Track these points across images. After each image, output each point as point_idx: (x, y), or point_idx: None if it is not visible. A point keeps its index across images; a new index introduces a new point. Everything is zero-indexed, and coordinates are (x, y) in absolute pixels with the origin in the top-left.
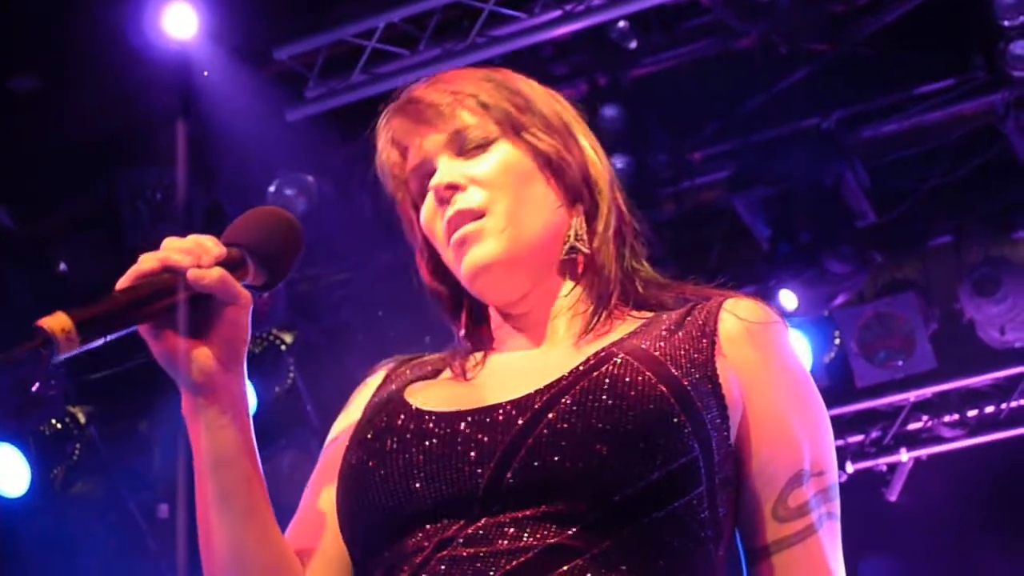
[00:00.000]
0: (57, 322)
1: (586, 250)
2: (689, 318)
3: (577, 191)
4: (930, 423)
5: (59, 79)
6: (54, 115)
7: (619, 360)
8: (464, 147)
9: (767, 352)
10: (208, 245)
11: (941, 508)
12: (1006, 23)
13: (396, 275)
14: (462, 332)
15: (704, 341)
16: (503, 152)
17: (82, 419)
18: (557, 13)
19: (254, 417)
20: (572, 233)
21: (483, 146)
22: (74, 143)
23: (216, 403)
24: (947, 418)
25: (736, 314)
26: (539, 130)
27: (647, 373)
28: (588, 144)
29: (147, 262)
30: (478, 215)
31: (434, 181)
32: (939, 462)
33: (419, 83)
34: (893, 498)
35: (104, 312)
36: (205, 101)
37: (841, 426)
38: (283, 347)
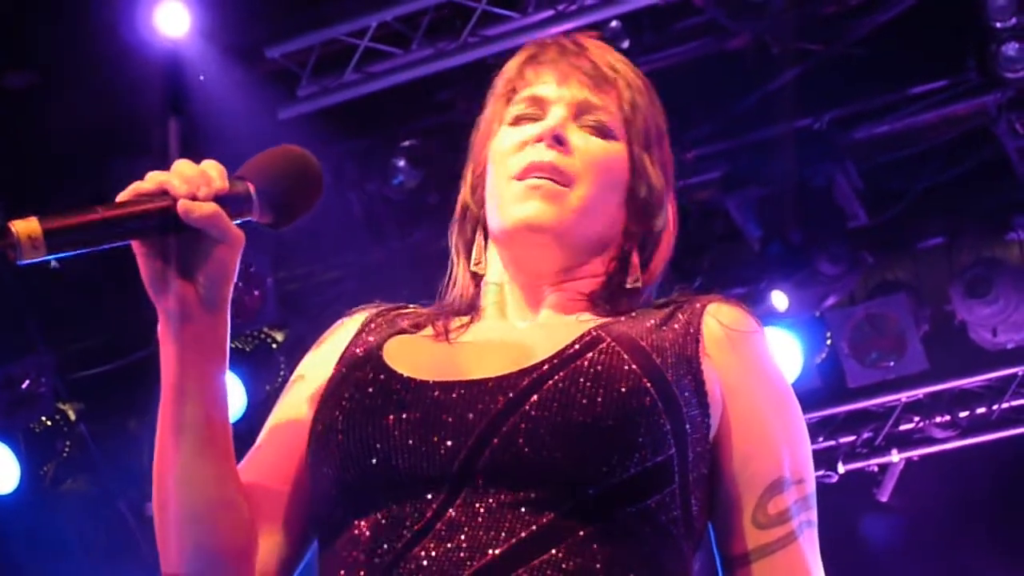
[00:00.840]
0: (27, 227)
1: (638, 285)
2: (673, 317)
3: (648, 224)
4: (922, 424)
5: (52, 75)
6: (47, 111)
7: (605, 346)
8: (589, 121)
9: (748, 360)
10: (212, 175)
11: (933, 509)
12: (998, 25)
13: (388, 273)
14: (464, 274)
15: (688, 339)
16: (616, 149)
17: (72, 416)
18: (549, 13)
19: (244, 416)
20: (633, 275)
21: (605, 133)
22: (66, 139)
23: (188, 335)
24: (939, 419)
25: (719, 319)
26: (654, 166)
27: (632, 365)
28: (672, 208)
29: (147, 182)
30: (565, 181)
31: (552, 122)
32: (931, 463)
33: (593, 39)
34: (884, 499)
35: (77, 224)
36: (198, 99)
37: (832, 427)
38: (274, 345)
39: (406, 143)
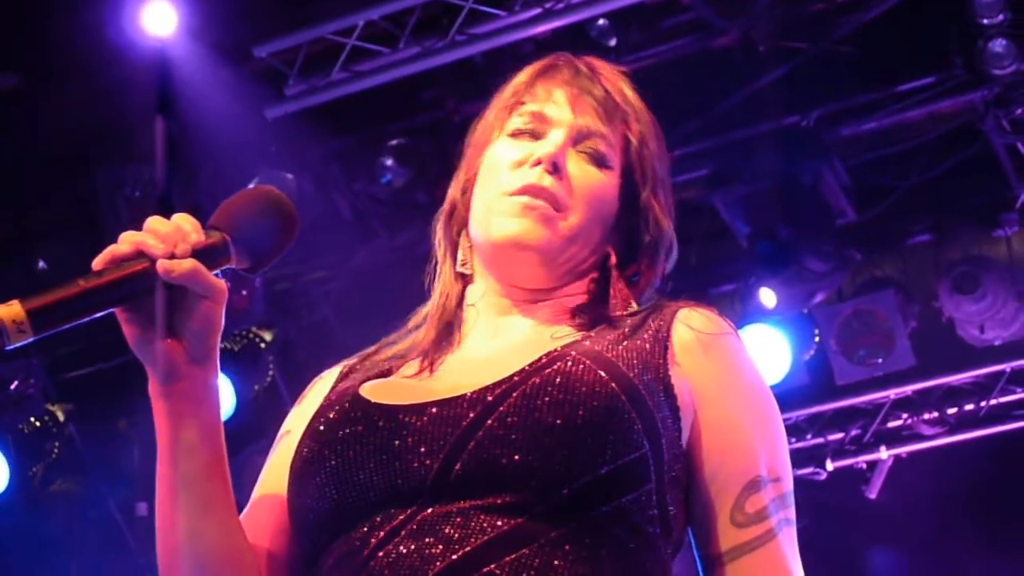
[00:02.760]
0: (10, 312)
1: (618, 313)
2: (643, 326)
3: (629, 258)
4: (910, 421)
5: (38, 77)
6: (33, 113)
7: (571, 359)
8: (587, 149)
9: (720, 362)
10: (187, 230)
11: (921, 506)
12: (985, 21)
13: (376, 273)
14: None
15: (658, 347)
16: (609, 186)
17: (61, 417)
18: (537, 11)
19: (233, 416)
20: (623, 298)
21: (603, 163)
22: (53, 141)
23: (181, 392)
24: (927, 416)
25: (689, 324)
26: (660, 206)
27: (599, 372)
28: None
29: (122, 245)
30: (558, 207)
31: (546, 150)
32: (919, 460)
33: (610, 66)
34: (873, 496)
35: (61, 301)
36: (185, 98)
37: (821, 424)
38: (263, 345)
39: (394, 142)
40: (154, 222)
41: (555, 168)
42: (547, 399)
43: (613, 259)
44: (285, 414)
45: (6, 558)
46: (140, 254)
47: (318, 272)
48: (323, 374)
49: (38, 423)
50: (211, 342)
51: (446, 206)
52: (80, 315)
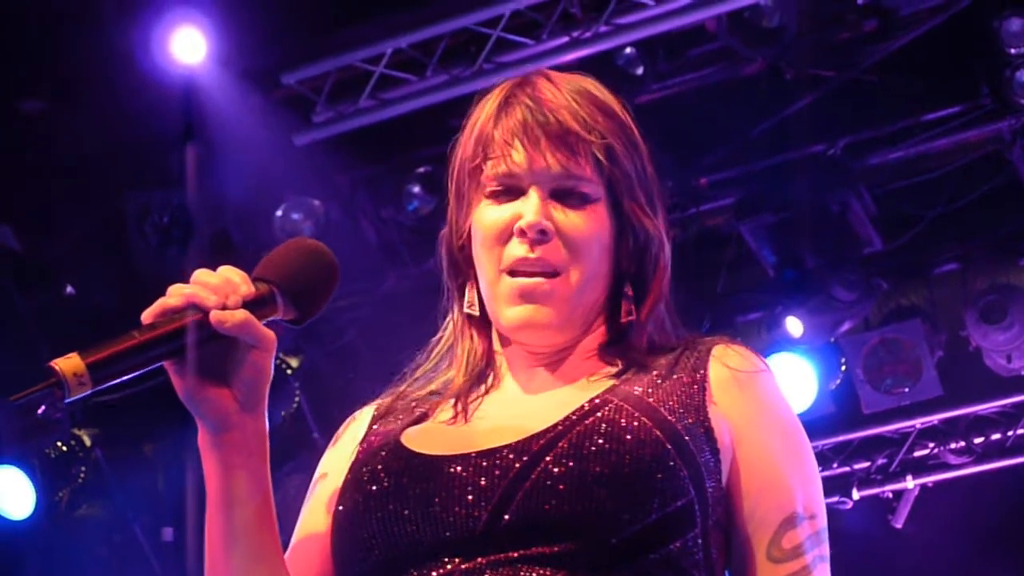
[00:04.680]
0: (70, 364)
1: (632, 318)
2: (678, 365)
3: (640, 262)
4: (936, 450)
5: (68, 101)
6: (62, 137)
7: (613, 406)
8: (566, 193)
9: (757, 401)
10: (236, 282)
11: (947, 535)
12: (1012, 51)
13: (403, 299)
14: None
15: (695, 387)
16: (599, 219)
17: (88, 442)
18: (564, 40)
19: None
20: (626, 308)
21: (585, 200)
22: (82, 166)
23: (232, 442)
24: (953, 445)
25: (725, 363)
26: (642, 208)
27: (642, 418)
28: (663, 217)
29: (173, 298)
30: (554, 271)
31: (527, 220)
32: (945, 489)
33: (559, 85)
34: (899, 525)
35: (118, 354)
36: (213, 125)
37: (847, 453)
38: (289, 371)
39: (421, 169)
40: (203, 275)
41: (541, 234)
42: (593, 449)
43: (630, 291)
44: (311, 440)
45: None
46: (191, 306)
47: (344, 298)
48: (356, 414)
49: (64, 447)
50: (262, 391)
51: (445, 260)
52: (135, 368)
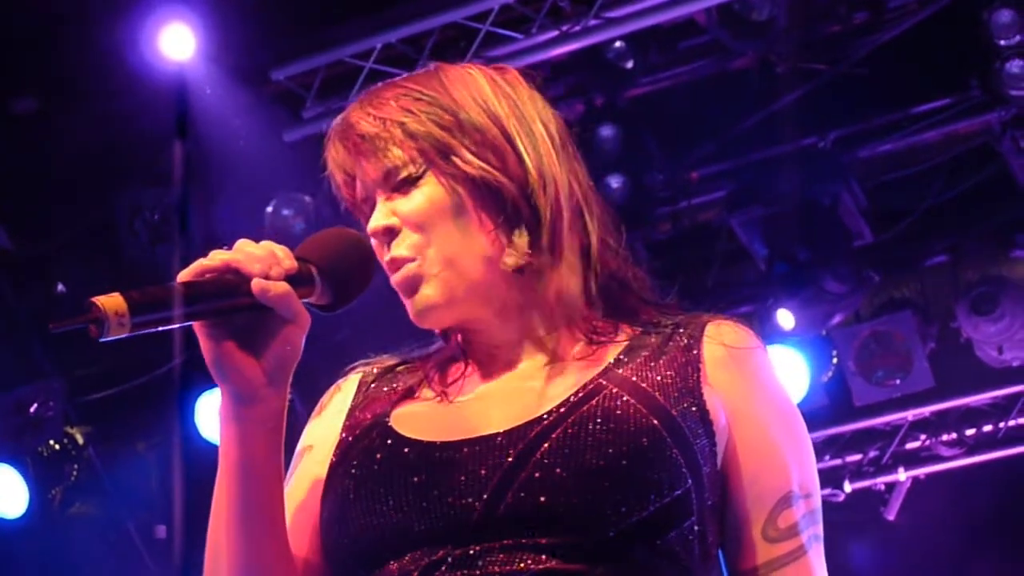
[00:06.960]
0: (112, 302)
1: (522, 263)
2: (671, 342)
3: (517, 205)
4: (928, 442)
5: (57, 100)
6: (53, 136)
7: (608, 392)
8: (396, 185)
9: (752, 378)
10: (280, 256)
11: (939, 527)
12: (1002, 43)
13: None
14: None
15: (689, 368)
16: (430, 189)
17: (80, 440)
18: (554, 33)
19: None
20: (510, 251)
21: (412, 182)
22: (72, 164)
23: (254, 416)
24: (945, 437)
25: (721, 340)
26: (468, 151)
27: (638, 406)
28: (529, 147)
29: (214, 259)
30: (413, 256)
31: (370, 227)
32: (937, 481)
33: (356, 103)
34: (891, 517)
35: (161, 301)
36: (203, 121)
37: (839, 445)
38: None
39: None
40: (246, 244)
41: (387, 233)
42: (590, 439)
43: (519, 237)
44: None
45: None
46: (230, 271)
47: None
48: (340, 384)
49: (57, 446)
50: (289, 369)
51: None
52: (174, 320)
